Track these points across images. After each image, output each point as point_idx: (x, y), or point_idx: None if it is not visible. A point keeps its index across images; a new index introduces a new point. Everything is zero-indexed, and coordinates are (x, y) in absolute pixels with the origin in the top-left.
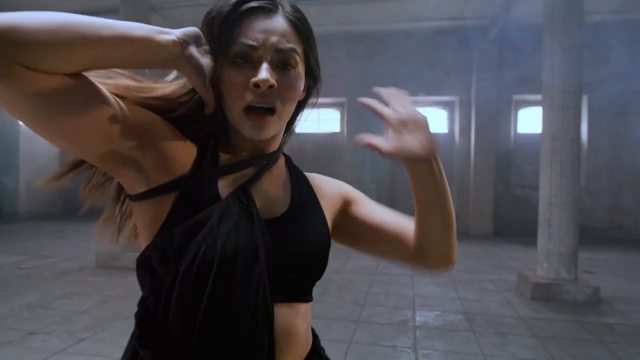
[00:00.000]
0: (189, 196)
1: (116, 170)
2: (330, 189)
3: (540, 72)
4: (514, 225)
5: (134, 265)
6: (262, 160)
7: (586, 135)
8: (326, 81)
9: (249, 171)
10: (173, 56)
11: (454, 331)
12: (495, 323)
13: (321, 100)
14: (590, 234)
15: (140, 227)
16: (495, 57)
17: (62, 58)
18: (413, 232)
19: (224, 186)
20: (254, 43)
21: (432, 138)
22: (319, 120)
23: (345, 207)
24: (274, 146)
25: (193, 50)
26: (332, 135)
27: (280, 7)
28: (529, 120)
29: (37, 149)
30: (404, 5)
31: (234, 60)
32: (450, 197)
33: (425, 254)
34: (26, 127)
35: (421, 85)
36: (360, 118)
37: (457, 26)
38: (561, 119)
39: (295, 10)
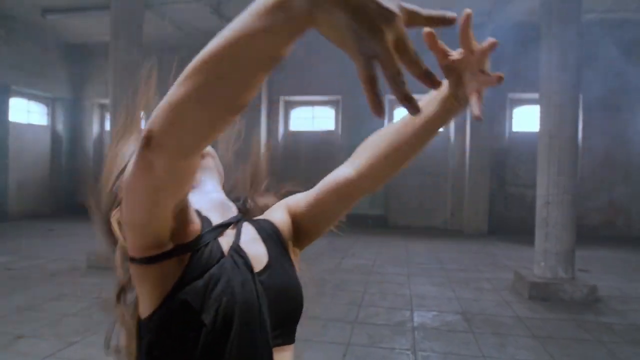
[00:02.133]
0: (200, 255)
1: (147, 236)
2: (279, 217)
3: (536, 70)
4: (508, 223)
5: None
6: (238, 218)
7: (581, 133)
8: (321, 79)
9: (231, 229)
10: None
11: (453, 332)
12: (493, 323)
13: (316, 98)
14: (584, 232)
15: (145, 289)
16: (490, 55)
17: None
18: (369, 160)
19: (222, 244)
20: None
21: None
22: (314, 119)
23: (293, 216)
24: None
25: None
26: (327, 133)
27: None
28: (524, 119)
29: (26, 147)
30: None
31: None
32: None
33: (375, 179)
34: (15, 126)
35: (416, 83)
36: (355, 116)
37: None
38: (559, 117)
39: None
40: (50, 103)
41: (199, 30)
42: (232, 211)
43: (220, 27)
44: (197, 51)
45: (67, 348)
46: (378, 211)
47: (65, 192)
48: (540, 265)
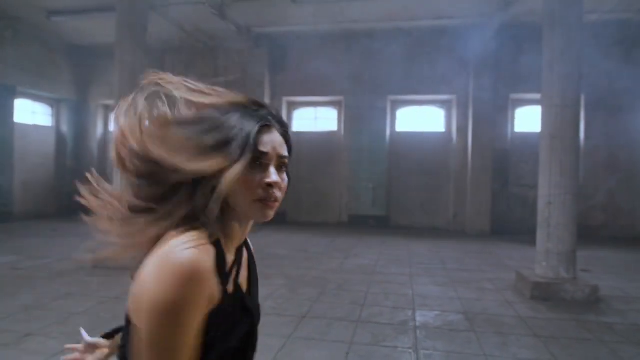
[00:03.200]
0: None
1: None
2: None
3: (538, 71)
4: (510, 224)
5: (132, 266)
6: (242, 249)
7: (583, 134)
8: (323, 80)
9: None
10: None
11: (455, 331)
12: (495, 323)
13: (318, 99)
14: (586, 233)
15: None
16: (492, 56)
17: None
18: None
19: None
20: (266, 151)
21: None
22: (316, 119)
23: None
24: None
25: None
26: (330, 134)
27: (274, 126)
28: (526, 119)
29: (31, 148)
30: (402, 3)
31: (249, 163)
32: None
33: None
34: (20, 126)
35: (418, 84)
36: (357, 117)
37: (455, 25)
38: (560, 118)
39: (283, 125)
40: (55, 104)
41: (202, 32)
42: (240, 239)
43: (222, 29)
44: (199, 51)
45: None
46: (380, 212)
47: (70, 192)
48: (542, 265)
